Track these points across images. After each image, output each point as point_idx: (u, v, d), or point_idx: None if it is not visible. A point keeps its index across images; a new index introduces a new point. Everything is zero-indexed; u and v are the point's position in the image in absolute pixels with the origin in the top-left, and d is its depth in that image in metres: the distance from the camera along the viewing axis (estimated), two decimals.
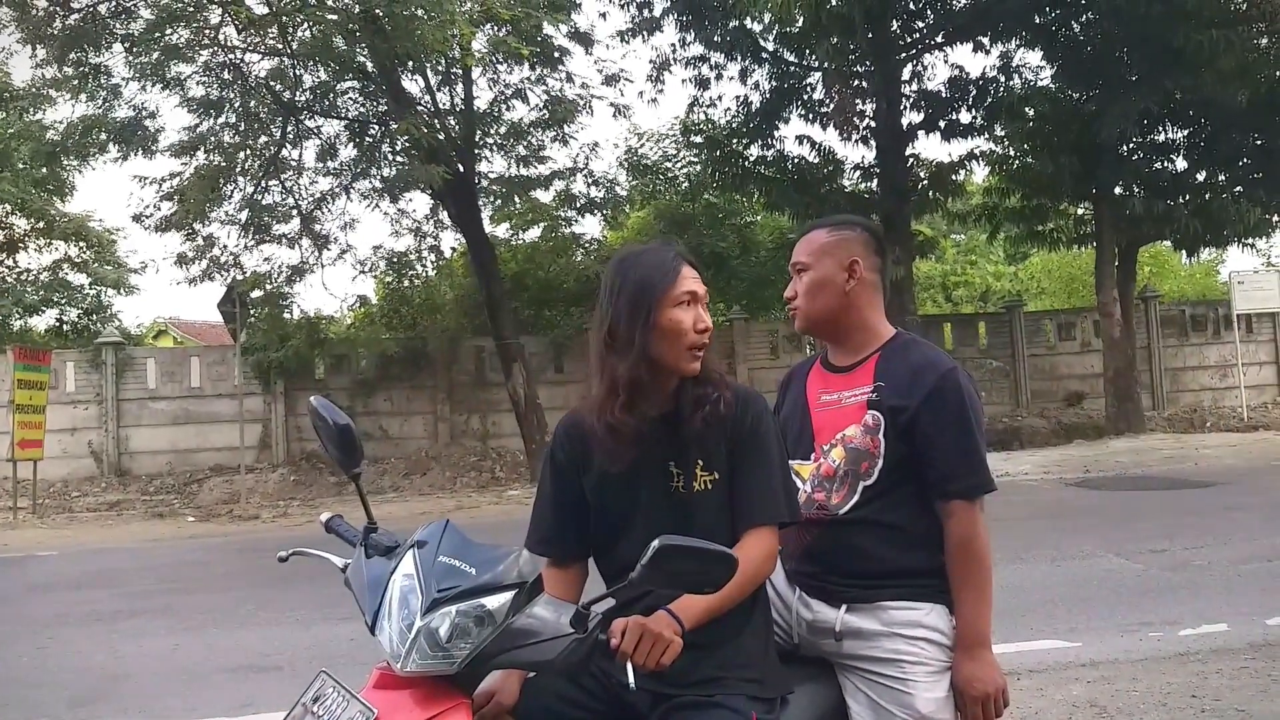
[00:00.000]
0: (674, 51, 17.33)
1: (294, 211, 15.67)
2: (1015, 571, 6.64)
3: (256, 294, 15.49)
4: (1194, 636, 5.14)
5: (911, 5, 16.82)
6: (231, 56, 13.77)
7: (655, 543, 1.58)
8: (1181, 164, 17.49)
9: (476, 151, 15.65)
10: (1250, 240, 17.92)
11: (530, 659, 1.67)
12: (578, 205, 17.56)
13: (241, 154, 14.99)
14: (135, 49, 13.04)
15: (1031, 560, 7.10)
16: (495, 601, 1.62)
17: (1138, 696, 4.31)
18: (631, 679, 1.66)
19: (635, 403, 1.94)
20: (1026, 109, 16.68)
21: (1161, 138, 17.25)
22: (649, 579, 1.61)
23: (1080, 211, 18.69)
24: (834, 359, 2.33)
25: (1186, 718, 4.04)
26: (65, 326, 22.67)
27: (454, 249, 18.62)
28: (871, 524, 2.13)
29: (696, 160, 19.52)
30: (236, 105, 14.47)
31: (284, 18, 12.41)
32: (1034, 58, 17.64)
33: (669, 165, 20.68)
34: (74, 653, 5.98)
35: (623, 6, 17.01)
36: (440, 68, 14.90)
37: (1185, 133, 17.21)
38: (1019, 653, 4.86)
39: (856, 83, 16.66)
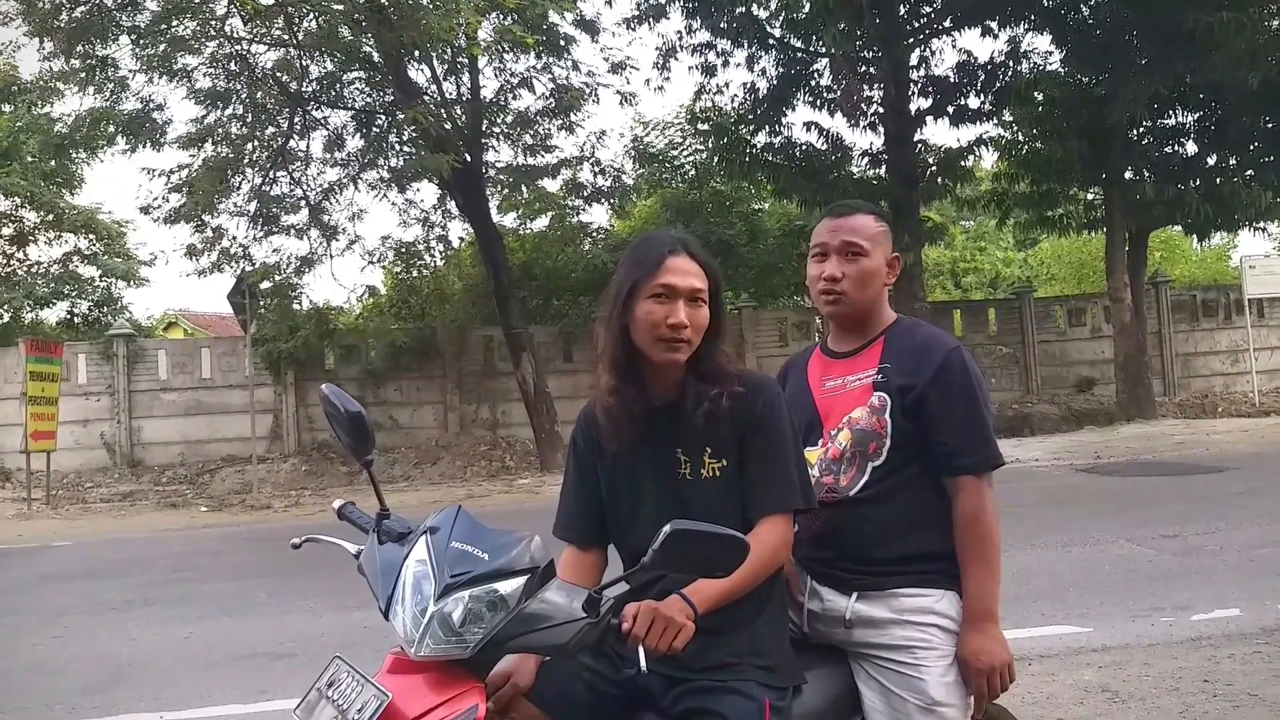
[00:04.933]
0: (680, 39, 17.28)
1: (302, 202, 15.70)
2: (1026, 557, 6.63)
3: (266, 285, 15.54)
4: (1206, 621, 5.12)
5: None
6: (238, 48, 13.79)
7: (667, 527, 1.59)
8: (1192, 148, 17.42)
9: (483, 141, 15.64)
10: (1261, 224, 17.87)
11: (543, 643, 1.68)
12: (585, 194, 17.55)
13: (249, 145, 15.01)
14: (142, 41, 13.08)
15: (1042, 546, 7.10)
16: (508, 586, 1.63)
17: (1150, 681, 4.30)
18: (643, 663, 1.67)
19: (623, 386, 1.98)
20: (1035, 94, 16.57)
21: (1172, 122, 17.15)
22: (661, 563, 1.62)
23: (1090, 197, 18.61)
24: (835, 345, 2.33)
25: (1198, 702, 4.04)
26: (76, 319, 22.76)
27: (462, 239, 18.66)
28: (882, 504, 2.14)
29: (703, 148, 19.46)
30: (243, 96, 14.48)
31: (290, 8, 12.41)
32: (1043, 42, 17.56)
33: (675, 153, 20.63)
34: (88, 642, 6.02)
35: None
36: (446, 57, 14.87)
37: (1195, 116, 17.10)
38: (1030, 638, 4.86)
39: (864, 68, 16.59)
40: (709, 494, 1.95)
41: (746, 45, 17.19)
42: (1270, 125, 16.28)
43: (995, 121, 17.52)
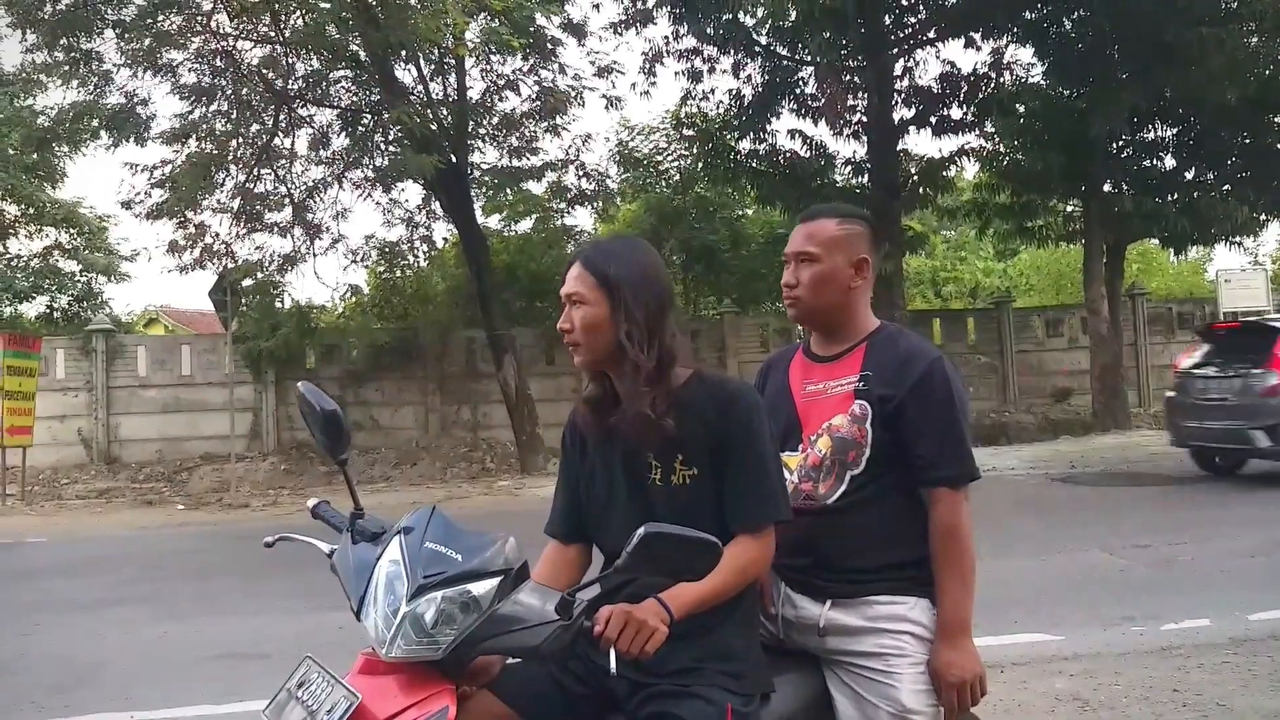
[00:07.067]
0: (667, 44, 17.25)
1: (286, 200, 15.60)
2: (1000, 566, 6.65)
3: (248, 283, 15.44)
4: (1176, 631, 5.18)
5: (904, 0, 16.82)
6: (224, 44, 13.70)
7: (641, 529, 1.60)
8: (1170, 162, 17.54)
9: (469, 142, 15.60)
10: (1238, 239, 17.98)
11: (515, 645, 1.68)
12: (569, 197, 17.54)
13: (233, 142, 14.90)
14: (127, 35, 12.97)
15: (1016, 555, 7.13)
16: (481, 588, 1.63)
17: (1120, 690, 4.34)
18: (614, 666, 1.67)
19: (591, 389, 2.08)
20: (1017, 105, 16.69)
21: (1151, 135, 17.27)
22: (634, 565, 1.62)
23: (1069, 208, 18.72)
24: (818, 348, 2.32)
25: (1168, 711, 4.08)
26: (55, 313, 22.57)
27: (446, 239, 18.61)
28: (860, 513, 2.14)
29: (688, 154, 19.49)
30: (228, 93, 14.38)
31: (276, 5, 12.35)
32: (1025, 54, 17.69)
33: (660, 158, 20.65)
34: (59, 640, 5.97)
35: None
36: (433, 57, 14.84)
37: (1174, 131, 17.24)
38: (1002, 646, 4.89)
39: (848, 77, 16.66)
40: (678, 502, 1.94)
41: (733, 52, 17.22)
42: (1248, 141, 16.45)
43: (977, 132, 17.62)
